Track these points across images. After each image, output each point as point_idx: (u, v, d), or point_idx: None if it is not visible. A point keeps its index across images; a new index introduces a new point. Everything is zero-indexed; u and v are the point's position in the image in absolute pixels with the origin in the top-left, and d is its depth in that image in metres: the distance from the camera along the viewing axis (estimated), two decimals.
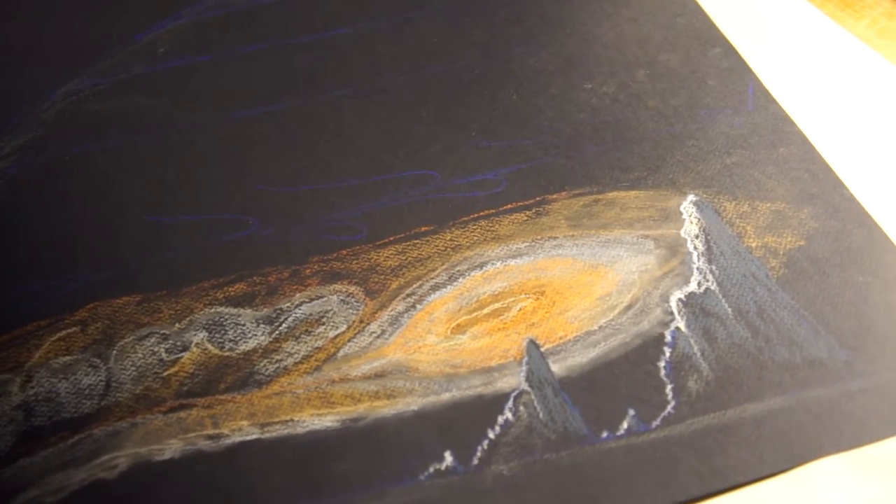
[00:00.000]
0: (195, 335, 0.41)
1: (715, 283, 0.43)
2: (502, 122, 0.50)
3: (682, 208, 0.46)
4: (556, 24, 0.54)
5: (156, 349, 0.41)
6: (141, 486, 0.37)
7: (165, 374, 0.40)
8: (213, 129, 0.49)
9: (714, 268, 0.44)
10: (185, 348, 0.41)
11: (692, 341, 0.42)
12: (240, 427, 0.39)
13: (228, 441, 0.38)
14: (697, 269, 0.44)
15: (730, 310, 0.43)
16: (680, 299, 0.43)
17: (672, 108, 0.50)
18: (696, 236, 0.45)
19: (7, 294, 0.42)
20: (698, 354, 0.41)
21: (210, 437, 0.38)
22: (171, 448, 0.38)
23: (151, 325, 0.42)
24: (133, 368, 0.40)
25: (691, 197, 0.47)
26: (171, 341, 0.41)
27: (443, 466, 0.38)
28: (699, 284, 0.43)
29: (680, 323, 0.42)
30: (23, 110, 0.49)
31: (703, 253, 0.45)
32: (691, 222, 0.46)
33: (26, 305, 0.42)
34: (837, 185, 0.47)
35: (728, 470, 0.38)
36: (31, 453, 0.38)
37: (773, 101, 0.51)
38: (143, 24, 0.53)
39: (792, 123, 0.50)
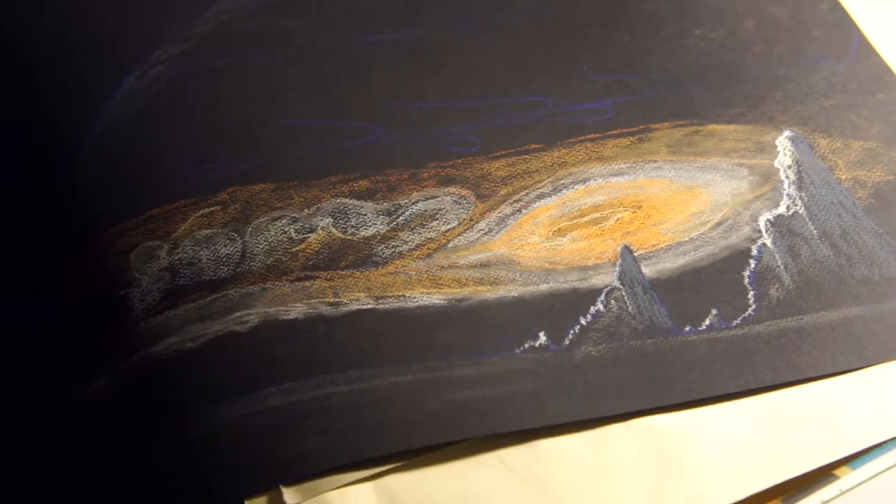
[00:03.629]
0: (321, 220, 0.46)
1: (803, 208, 0.46)
2: (613, 60, 0.53)
3: (777, 142, 0.49)
4: None
5: (286, 229, 0.46)
6: (268, 339, 0.42)
7: (293, 249, 0.45)
8: (346, 50, 0.53)
9: (804, 195, 0.47)
10: (312, 230, 0.46)
11: (777, 256, 0.45)
12: (357, 297, 0.43)
13: (347, 308, 0.43)
14: (787, 195, 0.47)
15: (815, 231, 0.46)
16: (768, 220, 0.46)
17: (776, 54, 0.53)
18: (789, 167, 0.48)
19: (161, 175, 0.48)
20: (781, 267, 0.44)
21: (330, 304, 0.43)
22: (296, 310, 0.43)
23: (283, 209, 0.46)
24: (265, 243, 0.45)
25: (787, 132, 0.49)
26: (299, 223, 0.46)
27: (537, 343, 0.42)
28: (788, 208, 0.46)
29: (766, 240, 0.45)
30: (177, 26, 0.55)
31: (794, 181, 0.47)
32: (785, 154, 0.48)
33: (176, 185, 0.47)
34: None
35: (801, 365, 0.41)
36: (175, 307, 0.43)
37: (876, 53, 0.53)
38: None
39: (892, 73, 0.52)
